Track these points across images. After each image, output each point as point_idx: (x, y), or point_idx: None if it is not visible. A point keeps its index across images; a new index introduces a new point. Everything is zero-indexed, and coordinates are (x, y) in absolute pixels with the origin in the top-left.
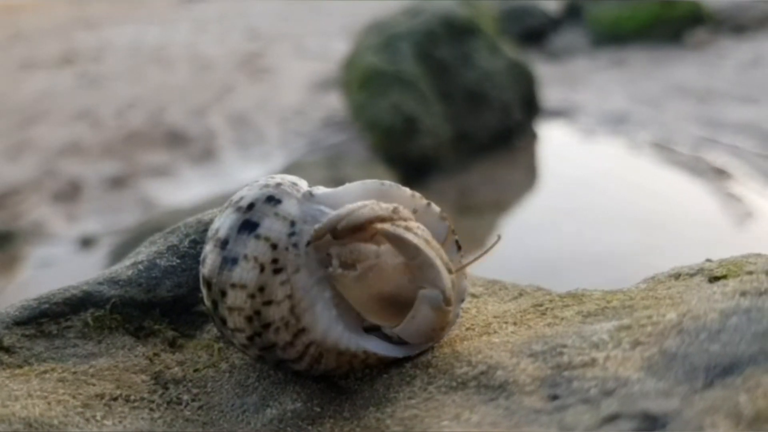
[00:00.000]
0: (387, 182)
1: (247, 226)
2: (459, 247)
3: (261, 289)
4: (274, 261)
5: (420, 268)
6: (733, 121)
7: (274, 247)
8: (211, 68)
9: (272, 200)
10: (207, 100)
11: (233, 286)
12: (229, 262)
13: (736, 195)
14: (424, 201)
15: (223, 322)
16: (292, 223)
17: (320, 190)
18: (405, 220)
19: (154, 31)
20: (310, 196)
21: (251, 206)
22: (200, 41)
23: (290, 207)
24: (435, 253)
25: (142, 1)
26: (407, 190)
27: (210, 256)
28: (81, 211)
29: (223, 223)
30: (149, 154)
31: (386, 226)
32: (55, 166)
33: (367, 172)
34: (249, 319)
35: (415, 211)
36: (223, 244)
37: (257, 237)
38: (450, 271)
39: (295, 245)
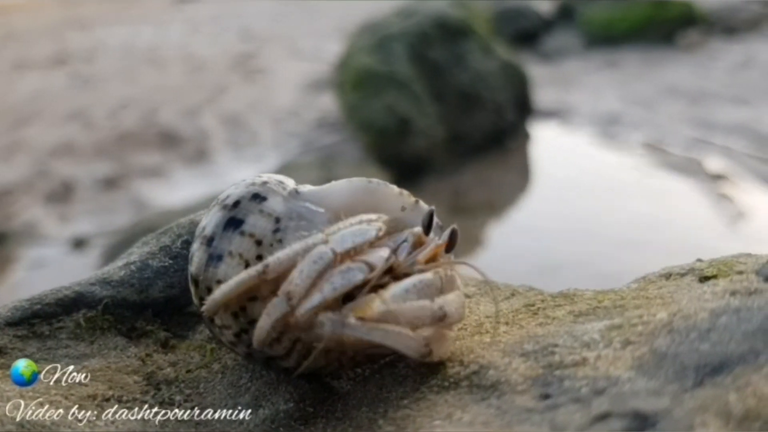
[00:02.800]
0: (374, 180)
1: (232, 223)
2: None
3: None
4: (259, 257)
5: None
6: (725, 122)
7: (259, 243)
8: (204, 69)
9: (257, 198)
10: (200, 100)
11: (219, 282)
12: (214, 258)
13: (727, 195)
14: (413, 198)
15: (211, 319)
16: (277, 220)
17: (306, 188)
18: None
19: (147, 32)
20: (296, 194)
21: (237, 204)
22: (193, 42)
23: (275, 204)
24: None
25: (135, 1)
26: (395, 188)
27: (197, 253)
28: (74, 212)
29: (209, 221)
30: (142, 155)
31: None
32: (48, 167)
33: (361, 173)
34: (235, 316)
35: (403, 209)
36: (209, 241)
37: (242, 234)
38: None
39: (279, 241)
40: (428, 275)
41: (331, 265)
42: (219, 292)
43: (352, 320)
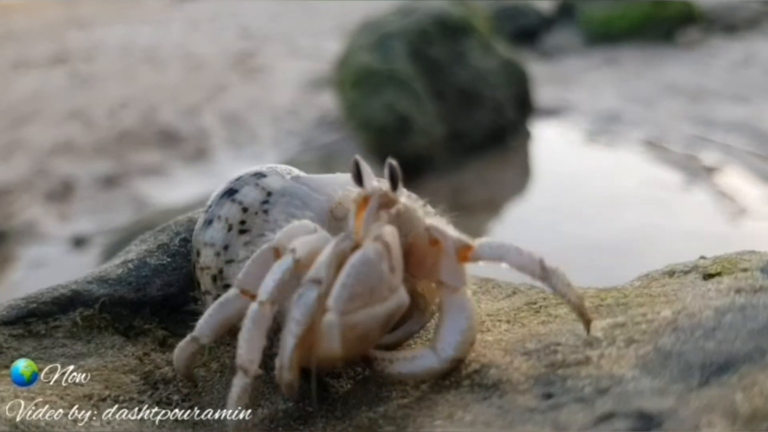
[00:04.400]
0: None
1: (228, 192)
2: None
3: (225, 247)
4: (242, 222)
5: None
6: (724, 120)
7: (245, 210)
8: (203, 68)
9: (258, 175)
10: (199, 99)
11: (205, 244)
12: (206, 222)
13: (728, 193)
14: (405, 192)
15: (199, 285)
16: (269, 194)
17: (308, 175)
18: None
19: (146, 31)
20: (297, 178)
21: (239, 178)
22: (192, 41)
23: (273, 182)
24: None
25: (134, 1)
26: None
27: (198, 221)
28: (73, 211)
29: (214, 192)
30: (141, 154)
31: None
32: (47, 166)
33: None
34: (214, 279)
35: None
36: (209, 208)
37: (232, 201)
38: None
39: (265, 212)
40: (359, 254)
41: (265, 318)
42: (174, 362)
43: (398, 366)
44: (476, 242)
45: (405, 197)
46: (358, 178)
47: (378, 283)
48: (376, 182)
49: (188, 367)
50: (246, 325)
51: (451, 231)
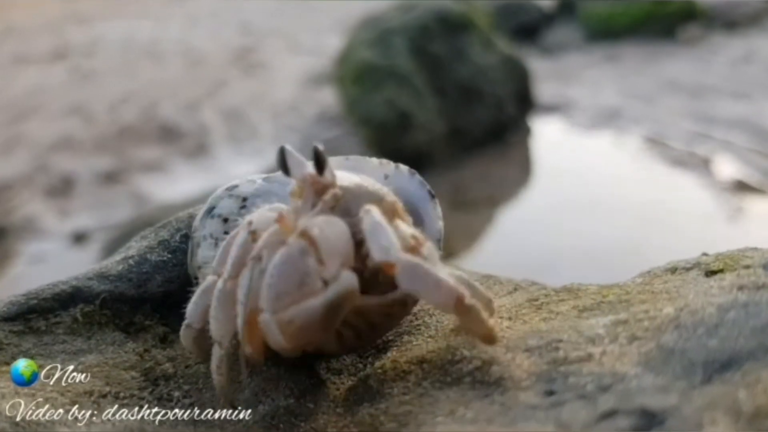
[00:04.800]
0: (352, 156)
1: (208, 211)
2: (432, 196)
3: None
4: (226, 233)
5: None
6: (725, 117)
7: (225, 221)
8: (203, 63)
9: (231, 187)
10: (200, 95)
11: (200, 268)
12: (196, 246)
13: (729, 189)
14: (392, 165)
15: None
16: (244, 199)
17: (279, 172)
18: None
19: (146, 26)
20: (268, 178)
21: (215, 197)
22: (193, 36)
23: (245, 188)
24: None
25: None
26: (374, 160)
27: (188, 249)
28: (73, 207)
29: (196, 218)
30: (142, 149)
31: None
32: (47, 162)
33: None
34: None
35: (386, 177)
36: (194, 231)
37: (212, 217)
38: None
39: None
40: (280, 253)
41: (230, 291)
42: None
43: None
44: (399, 265)
45: (346, 180)
46: (284, 168)
47: (305, 278)
48: (307, 169)
49: (201, 350)
50: (213, 303)
51: (380, 236)
